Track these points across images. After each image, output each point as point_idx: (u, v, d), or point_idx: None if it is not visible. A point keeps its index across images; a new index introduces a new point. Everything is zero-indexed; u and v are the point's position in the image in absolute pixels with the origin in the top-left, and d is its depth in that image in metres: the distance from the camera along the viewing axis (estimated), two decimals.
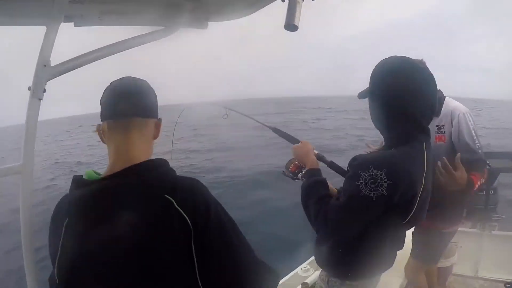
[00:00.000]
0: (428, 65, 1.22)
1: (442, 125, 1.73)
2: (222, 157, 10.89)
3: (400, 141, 1.07)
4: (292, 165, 1.35)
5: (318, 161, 1.29)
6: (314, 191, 1.13)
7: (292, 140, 1.44)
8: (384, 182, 0.93)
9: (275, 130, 1.50)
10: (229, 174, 8.44)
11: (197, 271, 0.74)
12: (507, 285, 2.49)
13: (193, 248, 0.73)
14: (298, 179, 1.32)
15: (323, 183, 1.17)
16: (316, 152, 1.33)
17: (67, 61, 0.90)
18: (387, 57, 1.12)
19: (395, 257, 1.34)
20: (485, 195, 2.95)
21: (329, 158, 1.34)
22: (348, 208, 1.00)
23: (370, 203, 0.96)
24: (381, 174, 0.94)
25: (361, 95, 1.16)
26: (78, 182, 0.78)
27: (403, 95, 1.03)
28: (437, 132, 1.75)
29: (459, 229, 2.90)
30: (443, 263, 2.56)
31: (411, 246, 2.11)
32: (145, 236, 0.72)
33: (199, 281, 0.74)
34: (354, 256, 1.20)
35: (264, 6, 1.04)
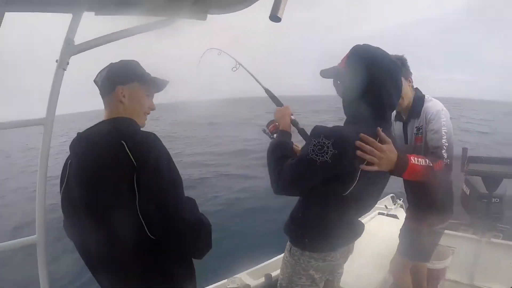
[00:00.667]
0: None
1: (421, 126, 1.77)
2: None
3: (356, 120, 1.22)
4: (272, 125, 1.54)
5: (292, 125, 1.46)
6: (277, 151, 1.31)
7: (278, 103, 1.60)
8: (330, 151, 1.07)
9: (267, 91, 1.64)
10: None
11: (137, 205, 0.95)
12: None
13: (135, 184, 0.95)
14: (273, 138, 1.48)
15: (288, 145, 1.35)
16: (293, 117, 1.49)
17: (86, 42, 1.13)
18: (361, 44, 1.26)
19: (351, 239, 1.50)
20: (486, 202, 2.94)
21: None
22: (295, 166, 1.16)
23: (314, 166, 1.10)
24: (328, 143, 1.08)
25: (325, 74, 1.32)
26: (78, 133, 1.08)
27: (371, 80, 1.16)
28: (416, 134, 1.80)
29: (458, 233, 2.91)
30: (434, 265, 2.57)
31: (398, 242, 2.19)
32: (100, 169, 1.00)
33: (139, 213, 0.96)
34: (306, 227, 1.38)
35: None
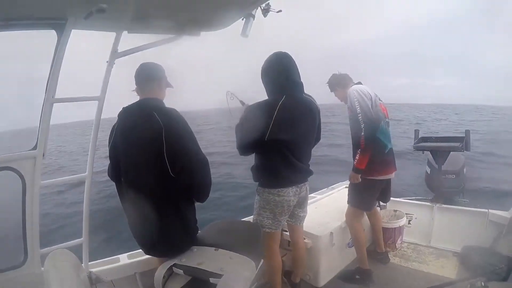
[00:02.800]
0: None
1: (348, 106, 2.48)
2: None
3: (269, 96, 1.99)
4: None
5: None
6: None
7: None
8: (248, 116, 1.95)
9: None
10: None
11: (164, 152, 1.53)
12: (455, 254, 2.99)
13: (163, 138, 1.51)
14: None
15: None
16: None
17: (124, 51, 1.82)
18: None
19: (297, 180, 2.07)
20: (444, 178, 3.43)
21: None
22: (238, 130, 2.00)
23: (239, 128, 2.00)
24: (249, 112, 1.95)
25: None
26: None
27: (265, 72, 1.99)
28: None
29: (416, 202, 3.45)
30: (390, 224, 3.11)
31: None
32: (138, 130, 1.59)
33: (165, 158, 1.54)
34: (259, 170, 2.07)
35: (237, 20, 1.85)
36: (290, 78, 1.95)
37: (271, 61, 1.97)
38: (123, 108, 1.71)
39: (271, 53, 2.00)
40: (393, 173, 2.63)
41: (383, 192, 2.71)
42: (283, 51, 1.99)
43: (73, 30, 1.59)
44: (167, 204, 1.64)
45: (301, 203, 2.22)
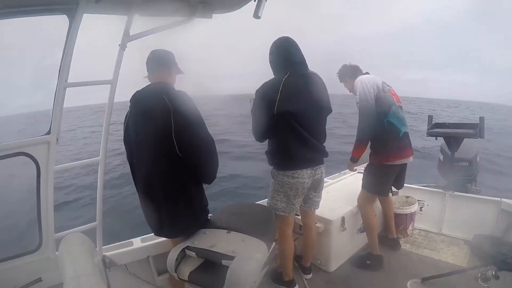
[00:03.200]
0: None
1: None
2: None
3: (274, 72, 2.08)
4: None
5: None
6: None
7: None
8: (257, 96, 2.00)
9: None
10: None
11: (172, 132, 1.58)
12: (466, 242, 2.97)
13: (171, 119, 1.57)
14: None
15: None
16: None
17: (137, 34, 1.80)
18: None
19: (312, 162, 2.08)
20: (457, 166, 3.40)
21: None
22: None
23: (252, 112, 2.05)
24: (257, 92, 2.00)
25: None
26: None
27: (271, 55, 2.07)
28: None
29: (427, 188, 3.42)
30: (401, 210, 3.10)
31: None
32: (149, 111, 1.65)
33: (176, 148, 1.60)
34: (274, 152, 2.09)
35: (250, 1, 1.81)
36: (292, 59, 2.02)
37: (275, 44, 2.05)
38: (136, 92, 1.76)
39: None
40: (410, 157, 2.58)
41: (398, 177, 2.68)
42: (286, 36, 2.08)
43: (85, 15, 1.58)
44: (175, 184, 1.70)
45: (316, 187, 2.23)
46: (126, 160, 1.92)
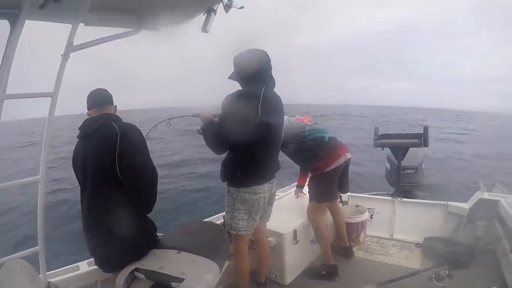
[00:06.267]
0: None
1: None
2: None
3: (246, 83, 2.03)
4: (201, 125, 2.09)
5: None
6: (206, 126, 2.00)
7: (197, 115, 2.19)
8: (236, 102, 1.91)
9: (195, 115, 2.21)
10: None
11: (116, 165, 1.57)
12: (418, 245, 3.11)
13: (117, 144, 1.58)
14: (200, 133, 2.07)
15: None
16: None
17: (82, 44, 1.70)
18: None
19: (271, 175, 2.09)
20: (403, 174, 3.60)
21: None
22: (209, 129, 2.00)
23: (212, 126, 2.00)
24: (235, 98, 1.93)
25: (230, 77, 2.09)
26: None
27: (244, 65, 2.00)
28: None
29: (377, 197, 3.58)
30: (352, 219, 3.19)
31: None
32: (98, 135, 1.66)
33: (117, 170, 1.57)
34: (237, 167, 2.02)
35: (198, 15, 1.79)
36: (269, 74, 2.06)
37: (252, 55, 2.01)
38: (86, 119, 1.78)
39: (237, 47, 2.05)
40: (346, 154, 2.71)
41: (341, 180, 2.78)
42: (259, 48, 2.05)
43: (27, 21, 1.48)
44: (117, 207, 1.61)
45: (271, 200, 2.22)
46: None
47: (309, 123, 2.80)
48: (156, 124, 2.13)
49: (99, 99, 1.81)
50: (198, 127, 2.06)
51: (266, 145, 2.01)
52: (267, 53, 2.04)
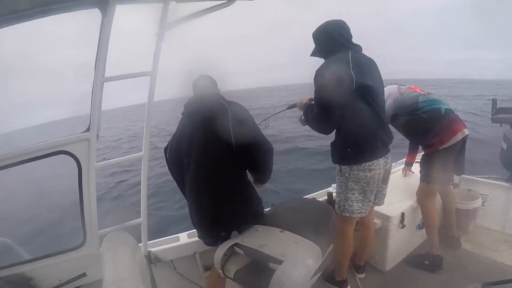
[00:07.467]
0: None
1: None
2: None
3: (330, 54, 1.86)
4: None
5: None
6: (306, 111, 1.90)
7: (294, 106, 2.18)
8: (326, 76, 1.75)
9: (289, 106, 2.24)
10: None
11: (232, 138, 1.62)
12: None
13: (229, 118, 1.63)
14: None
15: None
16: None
17: (174, 21, 1.68)
18: None
19: (386, 149, 1.90)
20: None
21: None
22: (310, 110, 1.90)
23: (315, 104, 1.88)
24: (323, 73, 1.78)
25: (313, 54, 1.98)
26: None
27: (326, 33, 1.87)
28: None
29: (491, 181, 3.03)
30: (464, 205, 2.79)
31: None
32: (207, 112, 1.72)
33: (233, 143, 1.62)
34: (342, 143, 1.87)
35: None
36: (350, 39, 1.90)
37: (332, 24, 1.89)
38: (188, 99, 1.87)
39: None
40: (464, 130, 2.31)
41: (457, 159, 2.42)
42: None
43: (117, 6, 1.50)
44: (227, 180, 1.70)
45: (386, 178, 2.04)
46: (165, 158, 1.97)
47: (422, 92, 2.46)
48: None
49: (202, 82, 1.88)
50: (299, 116, 2.02)
51: (372, 110, 1.80)
52: (344, 22, 1.89)
